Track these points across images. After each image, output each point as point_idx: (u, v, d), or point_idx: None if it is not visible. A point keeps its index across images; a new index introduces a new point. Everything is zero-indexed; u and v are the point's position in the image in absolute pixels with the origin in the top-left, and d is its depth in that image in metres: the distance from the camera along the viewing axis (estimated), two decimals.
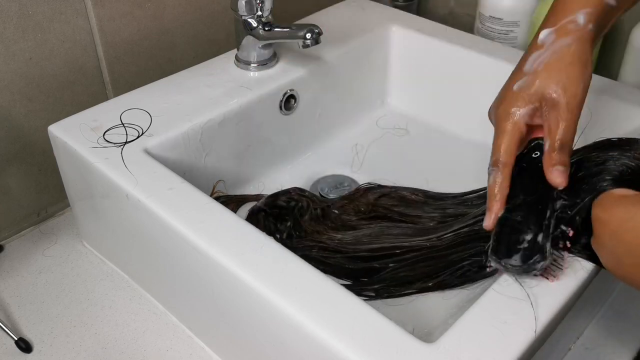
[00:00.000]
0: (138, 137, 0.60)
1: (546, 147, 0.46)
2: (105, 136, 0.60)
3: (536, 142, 0.50)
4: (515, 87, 0.47)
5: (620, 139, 0.49)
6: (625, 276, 0.42)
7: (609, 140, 0.49)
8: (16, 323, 0.61)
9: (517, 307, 0.44)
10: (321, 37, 0.65)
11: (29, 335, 0.59)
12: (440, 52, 0.78)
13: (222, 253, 0.48)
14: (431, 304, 0.56)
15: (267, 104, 0.69)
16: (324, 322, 0.43)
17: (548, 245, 0.45)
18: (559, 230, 0.46)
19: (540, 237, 0.45)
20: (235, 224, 0.51)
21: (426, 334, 0.51)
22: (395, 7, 0.91)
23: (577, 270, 0.46)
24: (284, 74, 0.71)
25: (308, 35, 0.64)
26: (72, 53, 0.67)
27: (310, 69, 0.73)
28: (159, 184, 0.55)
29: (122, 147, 0.59)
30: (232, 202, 0.67)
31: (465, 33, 0.80)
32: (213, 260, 0.48)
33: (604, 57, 0.85)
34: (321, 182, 0.73)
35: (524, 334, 0.42)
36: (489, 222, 0.47)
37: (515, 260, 0.45)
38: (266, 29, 0.67)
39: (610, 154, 0.47)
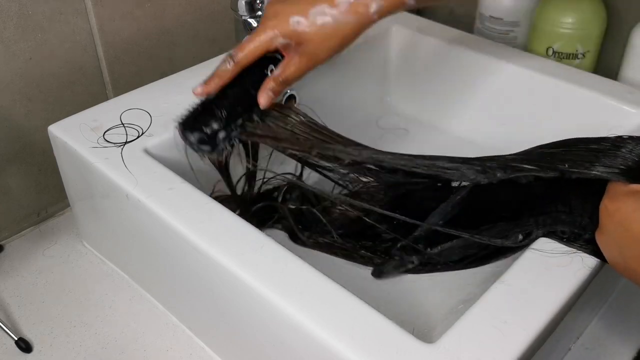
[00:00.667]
0: (138, 137, 0.60)
1: (274, 73, 0.54)
2: (105, 136, 0.60)
3: (274, 56, 0.55)
4: (292, 19, 0.52)
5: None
6: (627, 269, 0.43)
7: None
8: (16, 323, 0.61)
9: (517, 307, 0.44)
10: None
11: (29, 335, 0.59)
12: (440, 52, 0.78)
13: (222, 253, 0.48)
14: (431, 303, 0.56)
15: None
16: (324, 322, 0.43)
17: (223, 142, 0.53)
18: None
19: (222, 134, 0.53)
20: (235, 224, 0.51)
21: (426, 334, 0.51)
22: None
23: (578, 269, 0.46)
24: None
25: None
26: (72, 53, 0.67)
27: None
28: (159, 184, 0.55)
29: (122, 147, 0.59)
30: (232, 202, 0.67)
31: (465, 33, 0.80)
32: (213, 260, 0.48)
33: (604, 57, 0.85)
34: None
35: (524, 334, 0.42)
36: (198, 91, 0.54)
37: (193, 137, 0.53)
38: None
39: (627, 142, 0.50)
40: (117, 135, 0.60)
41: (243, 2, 0.66)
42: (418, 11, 1.00)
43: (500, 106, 0.75)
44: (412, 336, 0.42)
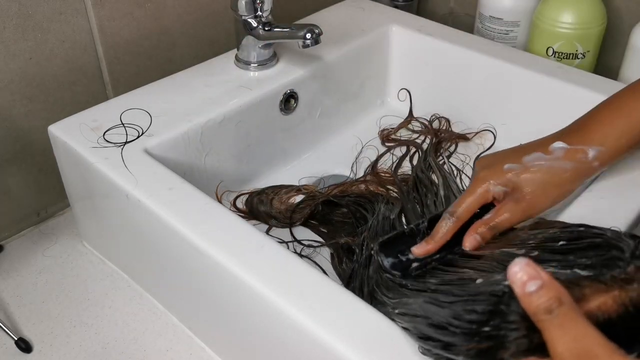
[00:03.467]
0: (138, 137, 0.60)
1: (485, 216, 0.51)
2: (105, 136, 0.60)
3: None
4: (506, 166, 0.51)
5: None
6: None
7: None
8: (16, 323, 0.61)
9: None
10: (321, 37, 0.65)
11: (29, 335, 0.59)
12: (440, 52, 0.78)
13: (222, 253, 0.48)
14: None
15: (267, 104, 0.69)
16: (324, 322, 0.43)
17: (413, 273, 0.49)
18: None
19: (415, 264, 0.50)
20: (235, 224, 0.51)
21: None
22: (395, 7, 0.91)
23: None
24: (284, 74, 0.71)
25: (308, 35, 0.64)
26: (72, 53, 0.67)
27: (310, 69, 0.73)
28: (159, 184, 0.55)
29: (122, 147, 0.59)
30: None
31: (465, 33, 0.80)
32: (213, 260, 0.48)
33: (604, 57, 0.85)
34: (321, 182, 0.73)
35: None
36: (418, 251, 0.50)
37: (387, 262, 0.50)
38: (266, 29, 0.67)
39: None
40: (117, 135, 0.60)
41: (243, 2, 0.66)
42: (418, 11, 1.00)
43: (501, 106, 0.76)
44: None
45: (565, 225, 0.47)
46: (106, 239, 0.65)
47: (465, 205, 0.51)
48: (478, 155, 0.55)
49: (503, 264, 0.46)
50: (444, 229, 0.50)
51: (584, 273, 0.38)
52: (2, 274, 0.66)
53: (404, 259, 0.51)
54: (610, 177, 0.57)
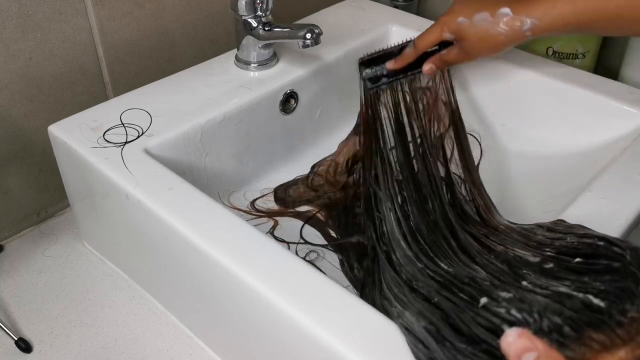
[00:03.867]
0: (138, 137, 0.60)
1: (440, 52, 0.65)
2: (105, 136, 0.60)
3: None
4: (459, 19, 0.62)
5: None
6: None
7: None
8: (16, 323, 0.61)
9: None
10: (321, 37, 0.65)
11: (29, 335, 0.59)
12: None
13: (222, 253, 0.48)
14: None
15: (267, 104, 0.69)
16: (324, 322, 0.43)
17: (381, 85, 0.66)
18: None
19: (384, 79, 0.67)
20: (235, 224, 0.51)
21: None
22: (395, 7, 0.91)
23: None
24: (284, 74, 0.71)
25: (308, 35, 0.64)
26: (72, 53, 0.67)
27: (310, 69, 0.73)
28: (159, 184, 0.55)
29: (122, 147, 0.59)
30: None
31: None
32: (213, 260, 0.48)
33: (604, 57, 0.85)
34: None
35: None
36: (389, 65, 0.67)
37: (365, 73, 0.67)
38: (266, 29, 0.67)
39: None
40: (117, 135, 0.60)
41: (243, 2, 0.66)
42: (418, 11, 1.00)
43: (501, 106, 0.75)
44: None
45: (585, 234, 0.47)
46: (106, 239, 0.65)
47: (425, 40, 0.65)
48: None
49: (514, 271, 0.46)
50: (407, 52, 0.66)
51: (595, 301, 0.39)
52: (2, 274, 0.66)
53: (377, 72, 0.67)
54: (610, 177, 0.57)
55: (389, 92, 0.67)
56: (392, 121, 0.65)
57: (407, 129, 0.65)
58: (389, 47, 0.68)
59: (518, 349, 0.32)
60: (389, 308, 0.48)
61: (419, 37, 0.66)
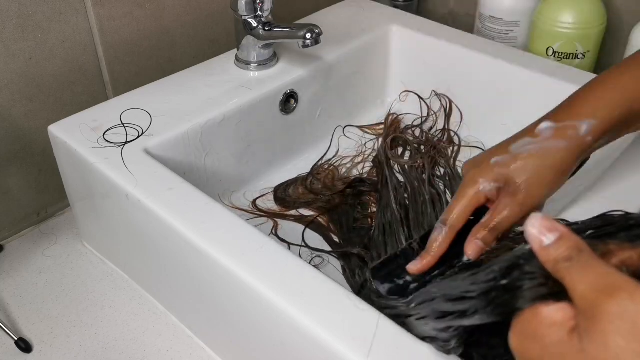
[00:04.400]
0: (138, 137, 0.60)
1: (483, 219, 0.47)
2: (105, 136, 0.60)
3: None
4: (492, 160, 0.47)
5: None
6: None
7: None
8: (16, 323, 0.61)
9: None
10: (321, 37, 0.65)
11: (29, 335, 0.59)
12: (440, 52, 0.78)
13: (222, 253, 0.48)
14: None
15: (267, 104, 0.69)
16: (324, 322, 0.43)
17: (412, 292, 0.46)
18: None
19: (414, 285, 0.47)
20: (235, 224, 0.51)
21: None
22: (395, 7, 0.91)
23: None
24: (284, 74, 0.71)
25: (308, 35, 0.64)
26: (72, 53, 0.67)
27: (310, 69, 0.73)
28: (159, 184, 0.55)
29: (122, 147, 0.59)
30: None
31: (465, 33, 0.80)
32: (213, 260, 0.48)
33: (604, 57, 0.85)
34: None
35: None
36: (414, 268, 0.47)
37: (382, 288, 0.47)
38: (266, 29, 0.67)
39: None
40: (117, 135, 0.60)
41: (243, 2, 0.66)
42: (418, 11, 1.00)
43: (501, 106, 0.75)
44: (412, 336, 0.42)
45: (593, 218, 0.41)
46: (106, 239, 0.65)
47: (457, 211, 0.47)
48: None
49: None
50: (439, 239, 0.47)
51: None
52: (2, 274, 0.66)
53: (400, 282, 0.47)
54: (610, 177, 0.57)
55: None
56: None
57: None
58: (404, 245, 0.51)
59: (540, 228, 0.31)
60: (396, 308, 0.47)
61: (447, 211, 0.48)
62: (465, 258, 0.46)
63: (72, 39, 0.67)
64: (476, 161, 0.49)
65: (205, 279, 0.51)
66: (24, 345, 0.57)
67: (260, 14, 0.67)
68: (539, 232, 0.31)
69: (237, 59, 0.72)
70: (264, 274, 0.46)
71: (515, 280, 0.35)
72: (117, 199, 0.56)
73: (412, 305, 0.41)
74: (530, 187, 0.46)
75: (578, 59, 0.81)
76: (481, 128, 0.77)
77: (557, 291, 0.32)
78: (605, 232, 0.38)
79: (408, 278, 0.47)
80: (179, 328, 0.60)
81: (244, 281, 0.46)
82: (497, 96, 0.75)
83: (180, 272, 0.55)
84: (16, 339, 0.58)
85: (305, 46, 0.64)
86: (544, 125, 0.46)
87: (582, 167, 0.50)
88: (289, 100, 0.72)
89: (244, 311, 0.49)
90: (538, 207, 0.47)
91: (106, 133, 0.60)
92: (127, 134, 0.60)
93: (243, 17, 0.67)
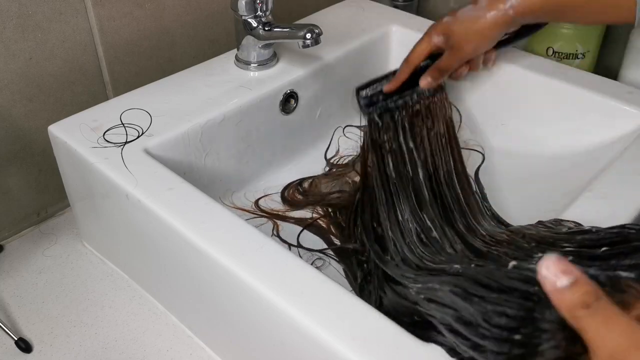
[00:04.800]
0: (138, 137, 0.60)
1: (434, 64, 0.64)
2: (105, 136, 0.60)
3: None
4: (444, 19, 0.62)
5: None
6: None
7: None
8: (16, 323, 0.61)
9: None
10: (321, 37, 0.65)
11: (29, 335, 0.59)
12: None
13: (222, 253, 0.48)
14: None
15: (267, 104, 0.69)
16: (323, 322, 0.43)
17: (380, 108, 0.64)
18: None
19: (381, 103, 0.65)
20: (235, 224, 0.51)
21: None
22: (395, 7, 0.91)
23: None
24: (284, 74, 0.71)
25: (308, 35, 0.64)
26: (72, 53, 0.67)
27: (310, 69, 0.73)
28: (159, 184, 0.55)
29: (122, 147, 0.59)
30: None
31: None
32: (213, 260, 0.48)
33: (604, 57, 0.85)
34: None
35: None
36: (386, 88, 0.65)
37: (362, 101, 0.65)
38: (266, 29, 0.67)
39: None
40: (117, 135, 0.60)
41: (243, 2, 0.66)
42: (418, 11, 1.00)
43: (501, 106, 0.75)
44: (412, 336, 0.42)
45: (610, 228, 0.43)
46: (106, 239, 0.65)
47: (416, 52, 0.64)
48: None
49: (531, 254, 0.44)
50: (400, 72, 0.64)
51: (625, 274, 0.35)
52: (2, 274, 0.66)
53: (374, 97, 0.65)
54: (610, 177, 0.57)
55: (388, 114, 0.65)
56: (393, 144, 0.64)
57: (409, 152, 0.64)
58: (384, 74, 0.67)
59: (555, 271, 0.31)
60: (404, 290, 0.47)
61: (409, 52, 0.65)
62: (419, 88, 0.65)
63: (72, 39, 0.67)
64: (443, 18, 0.63)
65: (205, 279, 0.51)
66: (24, 345, 0.57)
67: (260, 14, 0.67)
68: (554, 275, 0.31)
69: (237, 59, 0.72)
70: (264, 274, 0.46)
71: (530, 337, 0.34)
72: (117, 199, 0.56)
73: (421, 296, 0.41)
74: (460, 43, 0.61)
75: (578, 59, 0.81)
76: (481, 128, 0.77)
77: (573, 353, 0.32)
78: (620, 251, 0.38)
79: (381, 95, 0.65)
80: (179, 328, 0.60)
81: (244, 281, 0.46)
82: (497, 96, 0.75)
83: (180, 272, 0.55)
84: (16, 339, 0.58)
85: (305, 46, 0.64)
86: None
87: (522, 39, 0.66)
88: (289, 100, 0.72)
89: (244, 311, 0.49)
90: (469, 59, 0.63)
91: (106, 133, 0.60)
92: (127, 134, 0.60)
93: (243, 17, 0.67)
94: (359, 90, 0.65)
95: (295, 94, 0.72)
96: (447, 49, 0.62)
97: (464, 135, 0.78)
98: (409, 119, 0.65)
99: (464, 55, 0.62)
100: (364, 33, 0.80)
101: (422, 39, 0.64)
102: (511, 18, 0.59)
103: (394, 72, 0.66)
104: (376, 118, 0.64)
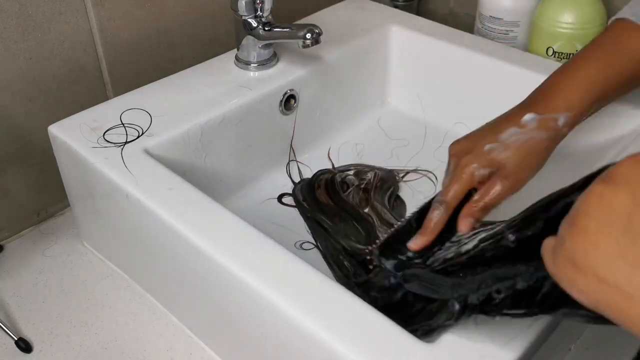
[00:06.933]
0: (138, 137, 0.60)
1: (474, 197, 0.52)
2: (105, 136, 0.60)
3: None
4: (486, 147, 0.53)
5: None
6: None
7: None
8: (16, 323, 0.61)
9: None
10: (321, 37, 0.65)
11: (29, 335, 0.59)
12: (440, 52, 0.78)
13: (222, 253, 0.48)
14: None
15: (267, 104, 0.69)
16: (324, 322, 0.43)
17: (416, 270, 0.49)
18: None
19: (417, 260, 0.50)
20: (235, 224, 0.51)
21: None
22: (395, 7, 0.91)
23: None
24: (284, 74, 0.71)
25: (308, 35, 0.64)
26: (72, 53, 0.67)
27: (310, 69, 0.73)
28: (159, 184, 0.55)
29: (122, 147, 0.59)
30: None
31: (465, 33, 0.80)
32: (213, 261, 0.48)
33: None
34: None
35: (525, 333, 0.42)
36: (415, 246, 0.51)
37: (389, 264, 0.51)
38: (266, 29, 0.67)
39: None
40: (117, 135, 0.60)
41: (243, 2, 0.66)
42: (418, 11, 1.00)
43: (501, 106, 0.75)
44: (411, 336, 0.42)
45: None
46: (106, 239, 0.65)
47: (452, 192, 0.52)
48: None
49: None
50: (436, 218, 0.51)
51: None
52: (2, 274, 0.66)
53: (403, 257, 0.51)
54: None
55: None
56: None
57: None
58: (401, 221, 0.55)
59: None
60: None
61: (444, 192, 0.53)
62: (458, 234, 0.50)
63: (72, 39, 0.67)
64: (467, 146, 0.54)
65: (205, 279, 0.52)
66: (24, 345, 0.57)
67: (260, 14, 0.67)
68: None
69: (237, 59, 0.72)
70: (263, 274, 0.46)
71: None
72: (117, 199, 0.56)
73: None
74: (520, 172, 0.52)
75: None
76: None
77: None
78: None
79: (409, 254, 0.51)
80: (179, 328, 0.60)
81: (244, 281, 0.46)
82: (497, 96, 0.75)
83: (180, 272, 0.55)
84: (16, 339, 0.58)
85: (305, 46, 0.64)
86: (529, 117, 0.53)
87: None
88: (289, 100, 0.72)
89: (243, 311, 0.49)
90: (520, 188, 0.53)
91: (106, 133, 0.60)
92: (127, 134, 0.60)
93: (243, 17, 0.67)
94: (382, 254, 0.53)
95: (296, 94, 0.72)
96: (497, 180, 0.52)
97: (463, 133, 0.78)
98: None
99: (521, 183, 0.53)
100: (364, 33, 0.80)
101: (457, 173, 0.53)
102: (565, 134, 0.54)
103: (417, 218, 0.53)
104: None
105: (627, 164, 0.31)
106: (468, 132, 0.78)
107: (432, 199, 0.53)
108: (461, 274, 0.44)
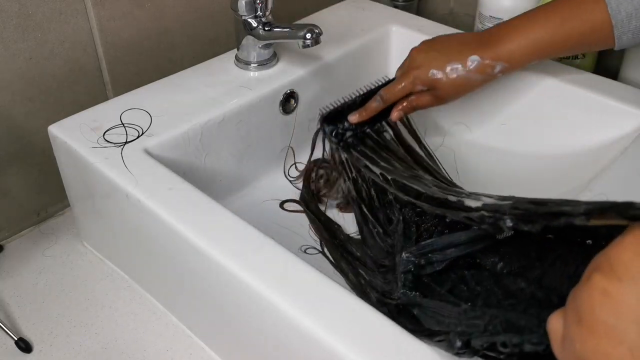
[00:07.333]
0: (138, 137, 0.60)
1: (409, 97, 0.66)
2: (105, 136, 0.60)
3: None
4: (431, 72, 0.64)
5: None
6: None
7: None
8: (16, 323, 0.61)
9: None
10: (321, 37, 0.65)
11: (29, 335, 0.59)
12: None
13: (222, 253, 0.48)
14: None
15: (267, 104, 0.69)
16: (324, 322, 0.43)
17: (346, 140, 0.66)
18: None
19: (349, 133, 0.66)
20: (235, 224, 0.51)
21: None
22: (395, 7, 0.91)
23: None
24: (284, 74, 0.71)
25: (308, 35, 0.64)
26: (72, 53, 0.67)
27: (310, 69, 0.73)
28: (159, 184, 0.55)
29: (122, 147, 0.59)
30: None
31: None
32: (213, 261, 0.48)
33: (604, 57, 0.85)
34: None
35: None
36: (352, 119, 0.65)
37: (327, 128, 0.66)
38: (266, 29, 0.67)
39: None
40: (117, 135, 0.60)
41: (243, 2, 0.66)
42: (418, 11, 1.00)
43: (501, 106, 0.75)
44: (411, 336, 0.42)
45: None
46: (106, 239, 0.65)
47: (394, 94, 0.65)
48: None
49: None
50: (374, 106, 0.65)
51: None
52: (2, 274, 0.66)
53: (340, 127, 0.65)
54: (610, 177, 0.57)
55: (353, 144, 0.66)
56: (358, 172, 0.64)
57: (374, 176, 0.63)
58: (351, 98, 0.67)
59: None
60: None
61: (386, 89, 0.66)
62: (390, 119, 0.66)
63: (72, 39, 0.67)
64: (419, 61, 0.65)
65: (205, 279, 0.52)
66: (24, 345, 0.58)
67: (260, 14, 0.67)
68: None
69: (237, 59, 0.72)
70: (264, 274, 0.46)
71: None
72: (117, 199, 0.56)
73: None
74: (448, 96, 0.65)
75: (578, 59, 0.81)
76: (481, 128, 0.77)
77: None
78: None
79: (347, 125, 0.66)
80: (179, 328, 0.60)
81: (244, 281, 0.46)
82: (497, 96, 0.75)
83: (180, 272, 0.55)
84: (16, 339, 0.58)
85: (305, 46, 0.64)
86: (474, 58, 0.63)
87: None
88: (289, 100, 0.72)
89: (243, 311, 0.49)
90: (446, 103, 0.66)
91: (106, 133, 0.60)
92: (127, 134, 0.60)
93: (243, 17, 0.67)
94: (324, 119, 0.66)
95: (295, 94, 0.72)
96: (429, 94, 0.65)
97: (463, 132, 0.78)
98: (373, 146, 0.66)
99: (444, 103, 0.66)
100: (364, 33, 0.80)
101: (401, 80, 0.65)
102: (496, 78, 0.65)
103: (362, 99, 0.66)
104: (340, 150, 0.65)
105: (629, 255, 0.28)
106: (468, 132, 0.78)
107: (380, 85, 0.67)
108: (469, 303, 0.45)
